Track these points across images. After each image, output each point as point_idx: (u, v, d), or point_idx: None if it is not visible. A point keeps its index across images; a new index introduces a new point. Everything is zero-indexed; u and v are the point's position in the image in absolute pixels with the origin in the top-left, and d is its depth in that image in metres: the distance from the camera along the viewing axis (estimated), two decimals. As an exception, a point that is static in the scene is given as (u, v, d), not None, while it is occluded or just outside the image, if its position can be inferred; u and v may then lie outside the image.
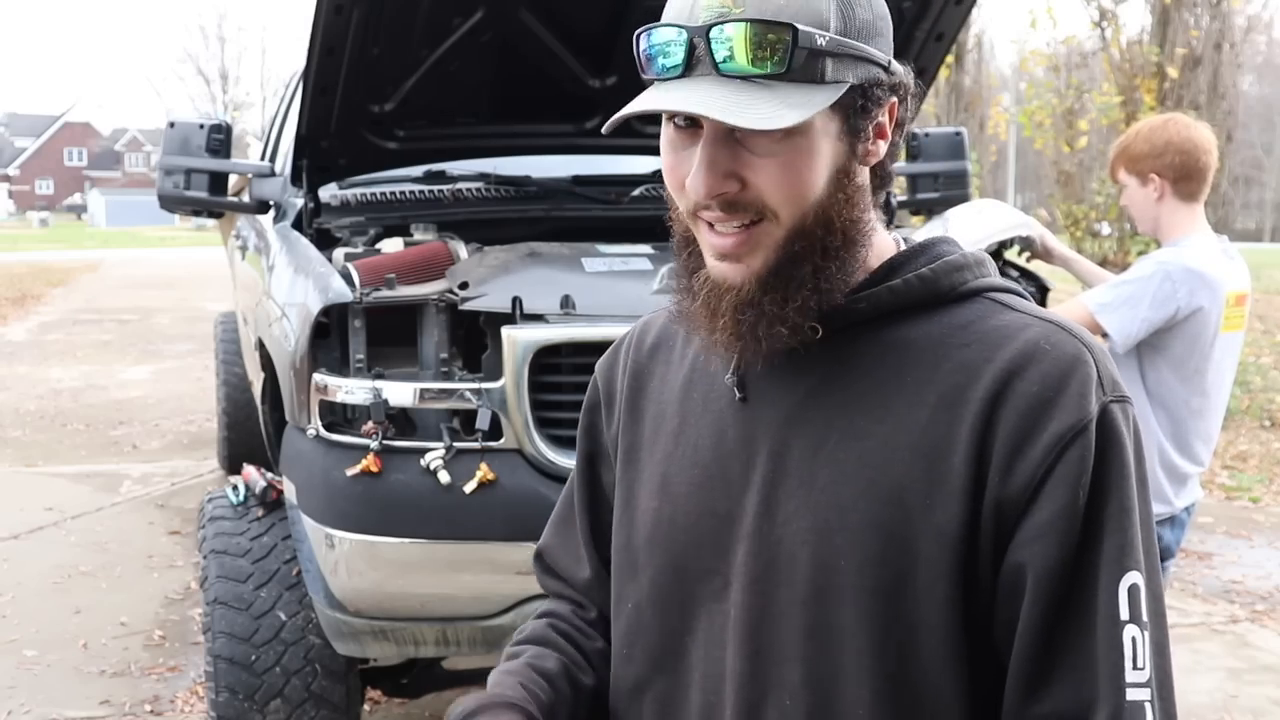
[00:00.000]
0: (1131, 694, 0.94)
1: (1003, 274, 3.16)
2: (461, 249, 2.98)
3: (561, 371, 2.69)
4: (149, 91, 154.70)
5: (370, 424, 2.63)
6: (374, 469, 2.60)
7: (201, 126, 3.63)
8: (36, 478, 6.79)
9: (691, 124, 0.99)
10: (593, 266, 2.98)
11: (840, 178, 1.01)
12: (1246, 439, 7.95)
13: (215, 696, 2.86)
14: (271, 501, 3.12)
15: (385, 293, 2.70)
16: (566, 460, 2.63)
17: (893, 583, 0.98)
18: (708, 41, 0.95)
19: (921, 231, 3.21)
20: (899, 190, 4.14)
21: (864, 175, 1.04)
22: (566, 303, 2.73)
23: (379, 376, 2.67)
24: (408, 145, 3.43)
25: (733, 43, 0.94)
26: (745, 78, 0.95)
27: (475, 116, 3.53)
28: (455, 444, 2.64)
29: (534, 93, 3.45)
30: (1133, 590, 0.95)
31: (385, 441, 2.62)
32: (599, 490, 1.26)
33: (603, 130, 1.05)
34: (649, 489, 1.14)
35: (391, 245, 3.10)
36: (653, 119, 1.02)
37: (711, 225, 1.01)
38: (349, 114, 3.17)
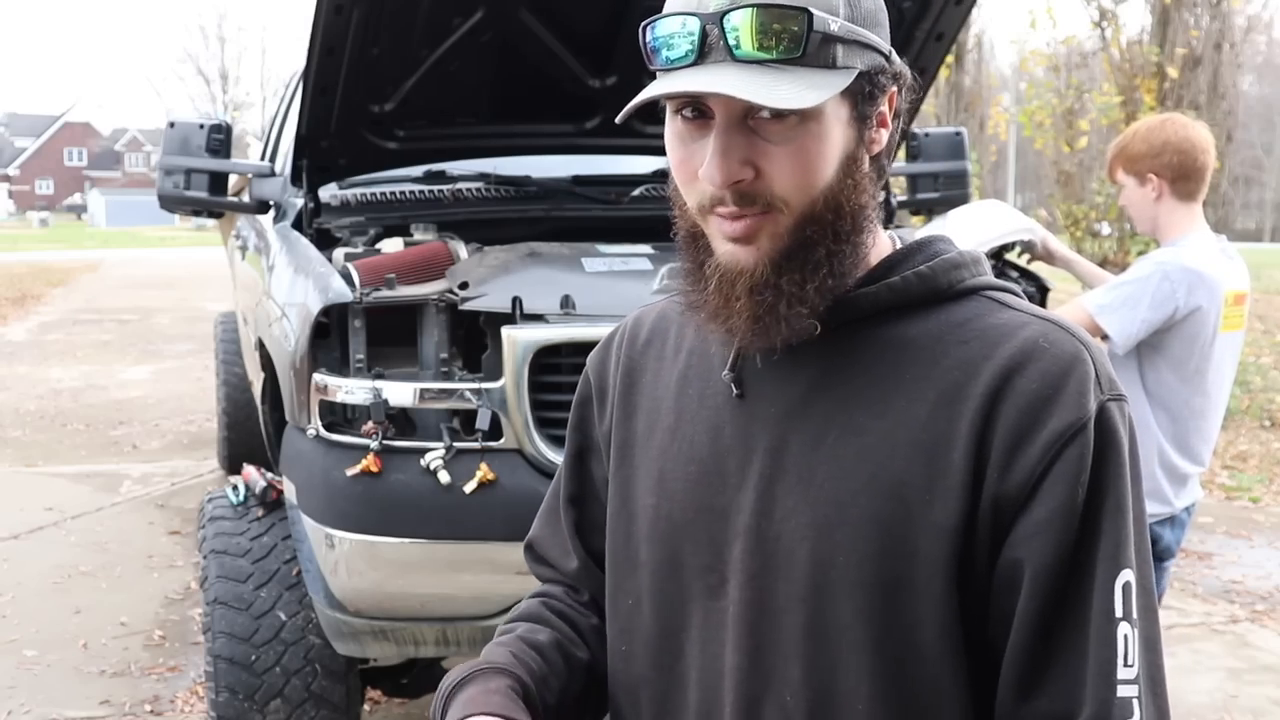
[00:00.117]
0: (1121, 690, 0.95)
1: (1003, 274, 3.16)
2: (461, 249, 2.98)
3: (561, 371, 2.69)
4: (149, 91, 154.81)
5: (370, 424, 2.63)
6: (374, 469, 2.60)
7: (201, 126, 3.63)
8: (36, 478, 6.79)
9: (700, 115, 0.99)
10: (593, 266, 2.98)
11: (849, 164, 1.01)
12: (1246, 439, 7.95)
13: (215, 696, 2.86)
14: (271, 501, 3.12)
15: (385, 293, 2.70)
16: (566, 460, 2.63)
17: (892, 578, 0.98)
18: (721, 27, 0.95)
19: (924, 230, 3.21)
20: (899, 190, 4.14)
21: (868, 163, 1.05)
22: (566, 303, 2.73)
23: (379, 376, 2.68)
24: (408, 145, 3.43)
25: (747, 28, 0.94)
26: (760, 63, 0.95)
27: (475, 116, 3.53)
28: (455, 444, 2.64)
29: (534, 93, 3.45)
30: (1126, 588, 0.96)
31: (385, 441, 2.62)
32: (588, 484, 1.26)
33: (616, 120, 1.05)
34: (645, 486, 1.14)
35: (391, 245, 3.10)
36: (653, 119, 1.02)
37: (722, 216, 1.00)
38: (349, 114, 3.17)
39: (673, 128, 1.02)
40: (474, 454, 2.64)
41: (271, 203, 3.72)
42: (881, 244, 1.08)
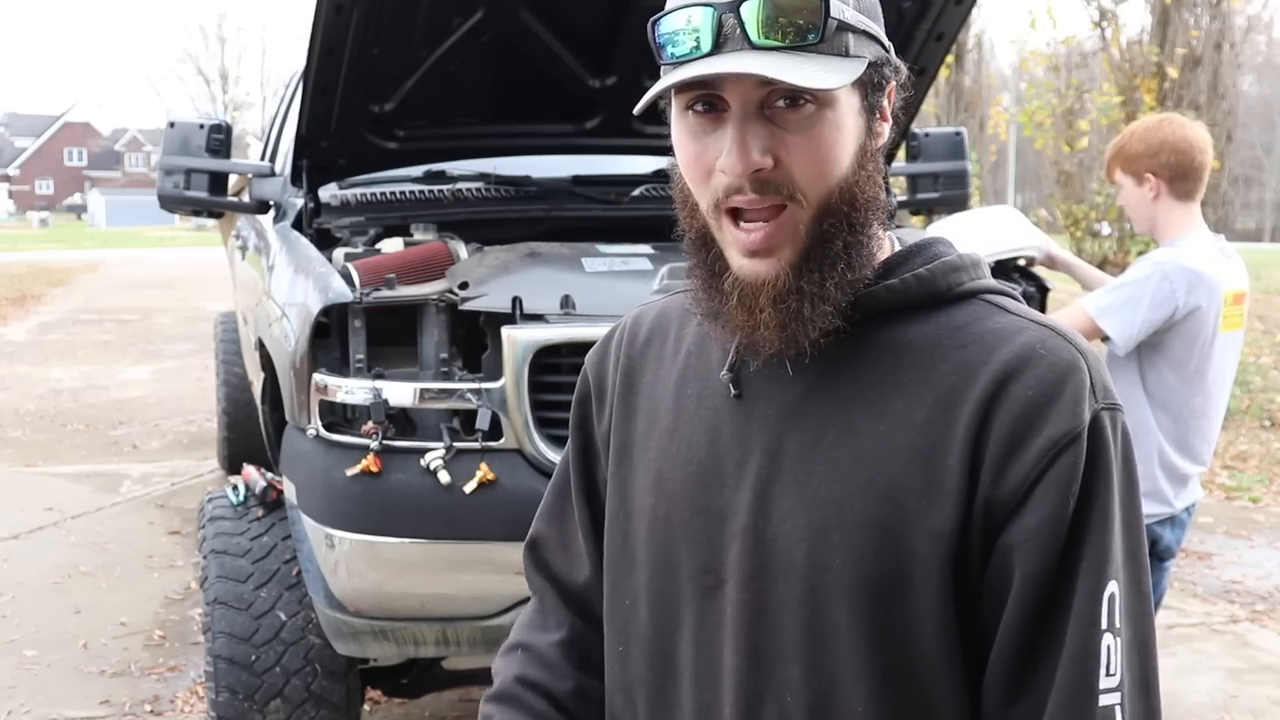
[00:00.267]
0: (1104, 699, 0.96)
1: (1005, 275, 3.15)
2: (461, 249, 2.98)
3: (561, 371, 2.69)
4: (149, 91, 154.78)
5: (370, 424, 2.63)
6: (374, 469, 2.60)
7: (201, 126, 3.63)
8: (36, 478, 6.79)
9: (712, 108, 0.98)
10: (593, 266, 2.98)
11: (861, 155, 1.02)
12: (1246, 439, 7.95)
13: (215, 696, 2.86)
14: (271, 501, 3.12)
15: (385, 293, 2.70)
16: (566, 460, 2.63)
17: (888, 580, 0.99)
18: (738, 16, 0.95)
19: (933, 230, 3.20)
20: (899, 190, 4.14)
21: (877, 156, 1.05)
22: (566, 303, 2.73)
23: (379, 376, 2.68)
24: (408, 145, 3.43)
25: (764, 15, 0.94)
26: (777, 50, 0.94)
27: (475, 116, 3.53)
28: (455, 444, 2.64)
29: (534, 93, 3.45)
30: (1111, 599, 0.97)
31: (385, 441, 2.62)
32: (595, 484, 1.25)
33: (635, 109, 1.02)
34: (643, 486, 1.14)
35: (391, 245, 3.10)
36: (654, 119, 1.01)
37: (738, 218, 0.99)
38: (349, 114, 3.17)
39: (683, 124, 1.01)
40: (474, 454, 2.64)
41: (271, 203, 3.71)
42: (881, 245, 1.08)
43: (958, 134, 4.13)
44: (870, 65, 1.00)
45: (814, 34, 0.94)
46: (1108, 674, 0.96)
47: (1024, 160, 24.63)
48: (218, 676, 2.84)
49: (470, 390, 2.67)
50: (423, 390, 2.67)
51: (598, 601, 1.23)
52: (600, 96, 3.46)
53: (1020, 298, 1.10)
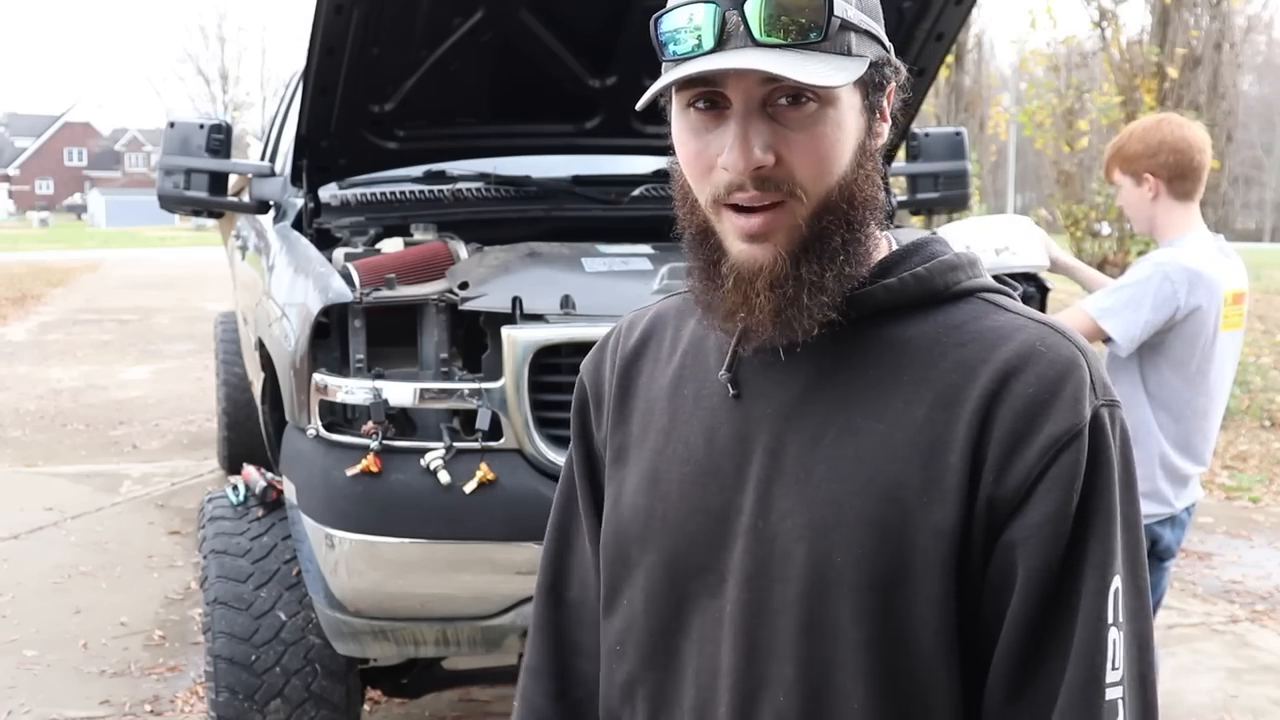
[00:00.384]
0: (1109, 693, 0.97)
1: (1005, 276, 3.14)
2: (461, 249, 2.98)
3: (561, 371, 2.69)
4: (149, 91, 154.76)
5: (370, 424, 2.63)
6: (374, 469, 2.60)
7: (201, 126, 3.63)
8: (36, 478, 6.79)
9: (714, 105, 0.98)
10: (593, 266, 2.98)
11: (861, 154, 1.02)
12: (1246, 439, 7.95)
13: (215, 696, 2.86)
14: (271, 501, 3.12)
15: (385, 293, 2.70)
16: (566, 460, 2.63)
17: (888, 579, 0.99)
18: (741, 13, 0.95)
19: (946, 232, 3.19)
20: (899, 190, 4.14)
21: (877, 155, 1.05)
22: (566, 303, 2.73)
23: (379, 376, 2.68)
24: (408, 145, 3.43)
25: (769, 12, 0.94)
26: (781, 47, 0.95)
27: (475, 116, 3.53)
28: (455, 444, 2.64)
29: (534, 93, 3.45)
30: (1115, 594, 0.97)
31: (385, 441, 2.62)
32: (601, 492, 1.24)
33: (637, 106, 1.02)
34: (639, 486, 1.13)
35: (391, 245, 3.10)
36: (654, 119, 1.01)
37: (738, 209, 1.00)
38: (349, 114, 3.17)
39: (684, 121, 1.01)
40: (474, 454, 2.64)
41: (271, 203, 3.71)
42: (878, 244, 1.08)
43: (958, 134, 4.13)
44: (871, 65, 1.00)
45: (817, 32, 0.95)
46: (1113, 668, 0.97)
47: (1024, 160, 24.63)
48: (218, 676, 2.84)
49: (470, 390, 2.67)
50: (423, 390, 2.67)
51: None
52: (600, 96, 3.46)
53: (1017, 296, 1.10)
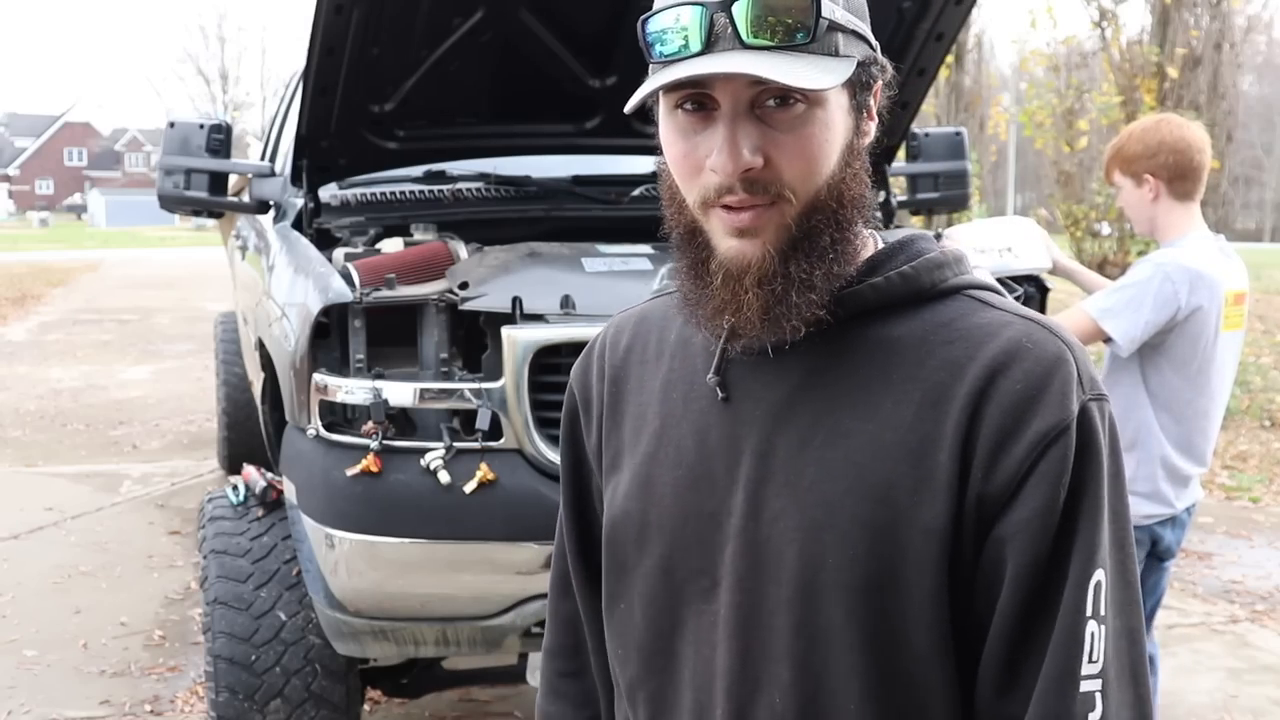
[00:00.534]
0: (1084, 685, 0.97)
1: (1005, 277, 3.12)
2: (461, 249, 2.98)
3: (561, 371, 2.68)
4: (149, 91, 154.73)
5: (370, 424, 2.63)
6: (374, 469, 2.60)
7: (201, 126, 3.63)
8: (36, 478, 6.79)
9: (702, 107, 0.98)
10: (593, 266, 2.98)
11: (849, 153, 1.02)
12: (1246, 439, 7.95)
13: (215, 696, 2.86)
14: (271, 501, 3.12)
15: (385, 293, 2.70)
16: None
17: (880, 579, 0.99)
18: (729, 15, 0.95)
19: (953, 233, 3.18)
20: (899, 190, 4.14)
21: (864, 154, 1.05)
22: (566, 303, 2.73)
23: (379, 376, 2.68)
24: (408, 145, 3.43)
25: (756, 14, 0.94)
26: (768, 49, 0.95)
27: (475, 116, 3.53)
28: (455, 444, 2.64)
29: (534, 93, 3.45)
30: (1097, 587, 0.97)
31: (385, 441, 2.62)
32: (586, 501, 1.26)
33: (626, 109, 1.03)
34: (633, 491, 1.13)
35: (391, 245, 3.10)
36: (650, 119, 1.02)
37: (727, 209, 0.99)
38: (349, 114, 3.17)
39: (672, 123, 1.01)
40: (474, 454, 2.64)
41: (271, 203, 3.71)
42: (865, 243, 1.08)
43: (958, 134, 4.13)
44: (859, 65, 1.00)
45: (804, 33, 0.95)
46: (1090, 661, 0.96)
47: (1024, 160, 24.62)
48: (218, 676, 2.84)
49: (470, 390, 2.67)
50: (423, 390, 2.67)
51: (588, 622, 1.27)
52: (600, 96, 3.46)
53: (1004, 292, 1.10)
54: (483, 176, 3.65)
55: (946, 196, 4.09)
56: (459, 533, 2.61)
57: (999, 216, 3.76)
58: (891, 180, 3.92)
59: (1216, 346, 2.78)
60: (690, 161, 1.00)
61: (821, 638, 1.01)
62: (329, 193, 3.51)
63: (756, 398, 1.06)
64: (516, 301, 2.70)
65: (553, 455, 2.64)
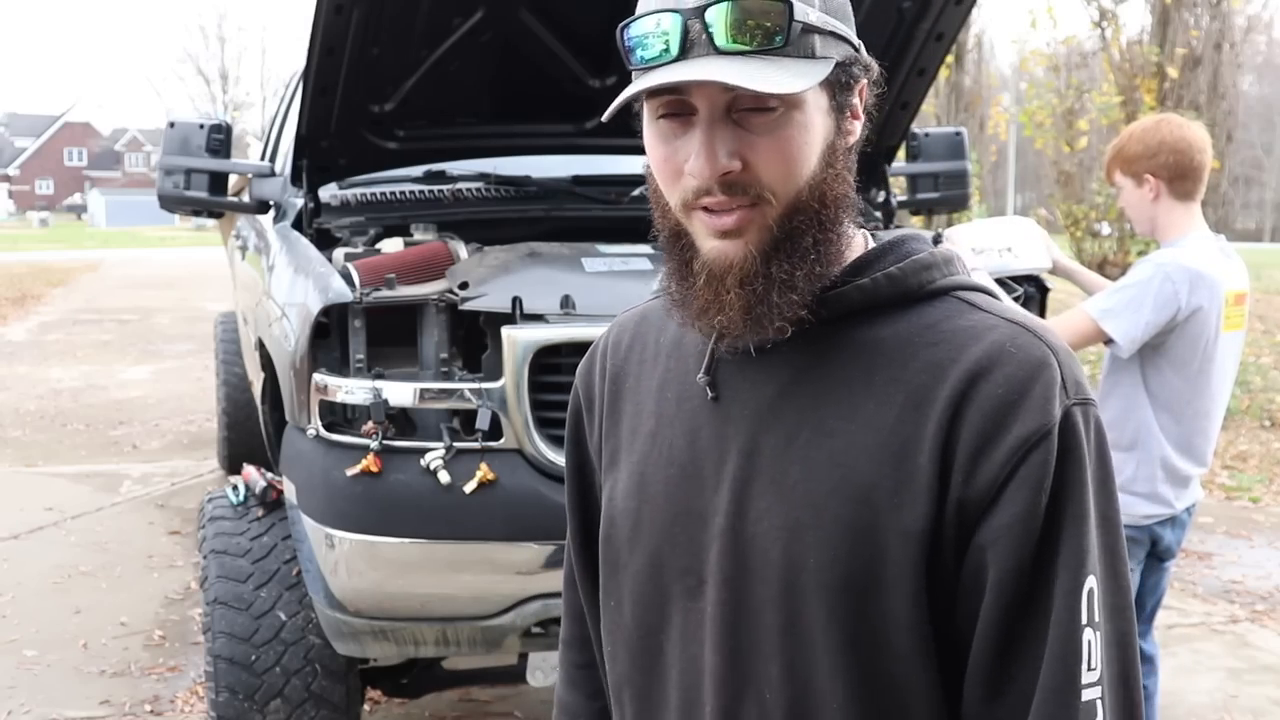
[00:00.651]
0: (1086, 694, 0.96)
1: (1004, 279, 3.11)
2: (461, 249, 2.98)
3: (561, 371, 2.69)
4: (149, 91, 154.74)
5: (370, 424, 2.63)
6: (374, 469, 2.60)
7: (201, 126, 3.63)
8: (36, 478, 6.79)
9: (681, 112, 1.00)
10: (593, 266, 2.98)
11: (830, 153, 1.02)
12: (1246, 439, 7.95)
13: (215, 696, 2.86)
14: (271, 501, 3.12)
15: (385, 293, 2.70)
16: (567, 460, 2.63)
17: (861, 580, 0.99)
18: (703, 22, 0.96)
19: (954, 233, 3.18)
20: (899, 190, 4.14)
21: (848, 154, 1.05)
22: (566, 303, 2.73)
23: (379, 376, 2.67)
24: (408, 145, 3.43)
25: (730, 20, 0.95)
26: (743, 54, 0.96)
27: (475, 116, 3.53)
28: (455, 444, 2.64)
29: (534, 93, 3.45)
30: (1090, 594, 0.97)
31: (385, 441, 2.62)
32: (589, 498, 1.27)
33: (603, 118, 1.05)
34: (629, 489, 1.15)
35: (391, 245, 3.10)
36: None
37: (709, 211, 1.01)
38: (349, 114, 3.17)
39: (654, 128, 1.03)
40: (474, 454, 2.64)
41: (271, 203, 3.71)
42: (855, 243, 1.09)
43: (958, 134, 4.13)
44: (838, 65, 1.00)
45: (779, 38, 0.96)
46: (1089, 669, 0.96)
47: (1024, 160, 24.62)
48: (218, 676, 2.84)
49: (470, 390, 2.67)
50: (423, 390, 2.67)
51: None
52: (600, 96, 3.45)
53: (998, 294, 1.10)
54: (483, 176, 3.65)
55: (946, 196, 4.09)
56: (459, 533, 2.61)
57: (999, 216, 3.75)
58: (891, 180, 3.92)
59: (1217, 347, 2.78)
60: (670, 166, 1.01)
61: (806, 637, 1.01)
62: (329, 193, 3.51)
63: (745, 398, 1.07)
64: (516, 301, 2.70)
65: (553, 455, 2.64)
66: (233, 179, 3.95)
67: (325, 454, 2.69)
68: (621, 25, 1.00)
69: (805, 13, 0.97)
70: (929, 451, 0.98)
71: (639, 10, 1.00)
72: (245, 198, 3.89)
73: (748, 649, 1.04)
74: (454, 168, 3.65)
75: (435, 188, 3.63)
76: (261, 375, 3.45)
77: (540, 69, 3.36)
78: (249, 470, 3.25)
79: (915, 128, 3.91)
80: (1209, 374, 2.79)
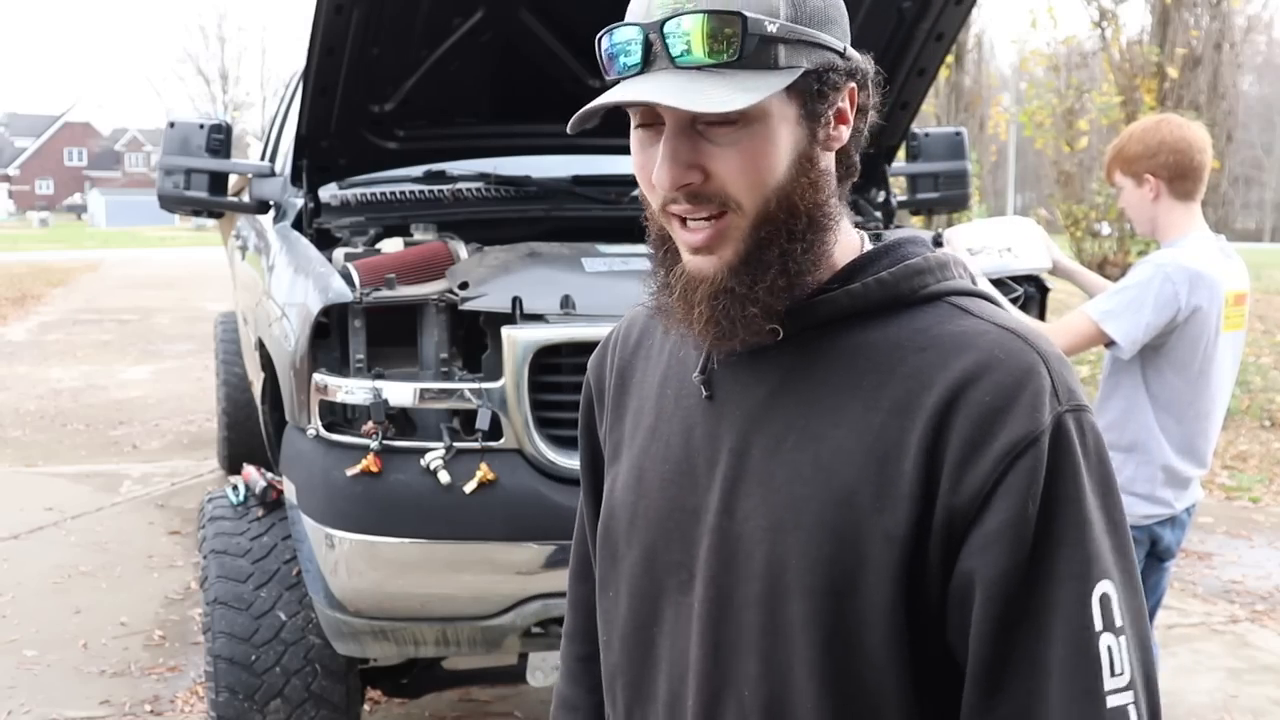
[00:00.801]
0: (1113, 700, 0.94)
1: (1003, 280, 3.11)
2: (461, 249, 2.98)
3: (561, 371, 2.69)
4: (149, 91, 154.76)
5: (370, 424, 2.63)
6: (374, 469, 2.60)
7: (201, 126, 3.63)
8: (36, 478, 6.79)
9: (652, 123, 1.01)
10: (593, 266, 2.98)
11: (802, 162, 1.02)
12: (1246, 439, 7.95)
13: (215, 696, 2.86)
14: (271, 501, 3.12)
15: (385, 293, 2.70)
16: (566, 460, 2.64)
17: (840, 583, 0.99)
18: (662, 36, 0.97)
19: (956, 233, 3.18)
20: (899, 190, 4.14)
21: (828, 161, 1.05)
22: (566, 303, 2.73)
23: (379, 376, 2.68)
24: (408, 145, 3.43)
25: (686, 35, 0.97)
26: (700, 68, 0.97)
27: (475, 116, 3.53)
28: (455, 444, 2.64)
29: (534, 93, 3.45)
30: (1104, 600, 0.95)
31: (385, 441, 2.62)
32: (603, 487, 1.28)
33: (568, 129, 1.07)
34: (627, 483, 1.17)
35: (391, 245, 3.10)
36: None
37: (684, 222, 1.03)
38: (349, 114, 3.17)
39: (634, 135, 1.05)
40: (474, 454, 2.64)
41: (271, 203, 3.72)
42: (849, 246, 1.09)
43: (958, 134, 4.13)
44: (809, 74, 1.00)
45: (734, 52, 0.96)
46: (1114, 674, 0.94)
47: (1024, 160, 24.63)
48: (218, 676, 2.84)
49: (470, 390, 2.67)
50: (423, 390, 2.67)
51: None
52: (600, 97, 3.45)
53: (995, 298, 1.10)
54: (483, 176, 3.65)
55: (946, 196, 4.09)
56: (459, 533, 2.61)
57: (999, 216, 3.75)
58: (891, 180, 3.92)
59: (1217, 347, 2.78)
60: (645, 172, 1.04)
61: (784, 635, 1.02)
62: (329, 193, 3.51)
63: (737, 398, 1.08)
64: (516, 301, 2.70)
65: (553, 455, 2.64)
66: (233, 179, 3.96)
67: (325, 454, 2.69)
68: (598, 36, 1.02)
69: (762, 25, 0.97)
70: (914, 457, 0.98)
71: (620, 21, 1.02)
72: (245, 198, 3.89)
73: (729, 646, 1.05)
74: (454, 168, 3.65)
75: (435, 188, 3.63)
76: (261, 375, 3.45)
77: (540, 69, 3.36)
78: (249, 470, 3.25)
79: (915, 128, 3.91)
80: (1209, 374, 2.79)
